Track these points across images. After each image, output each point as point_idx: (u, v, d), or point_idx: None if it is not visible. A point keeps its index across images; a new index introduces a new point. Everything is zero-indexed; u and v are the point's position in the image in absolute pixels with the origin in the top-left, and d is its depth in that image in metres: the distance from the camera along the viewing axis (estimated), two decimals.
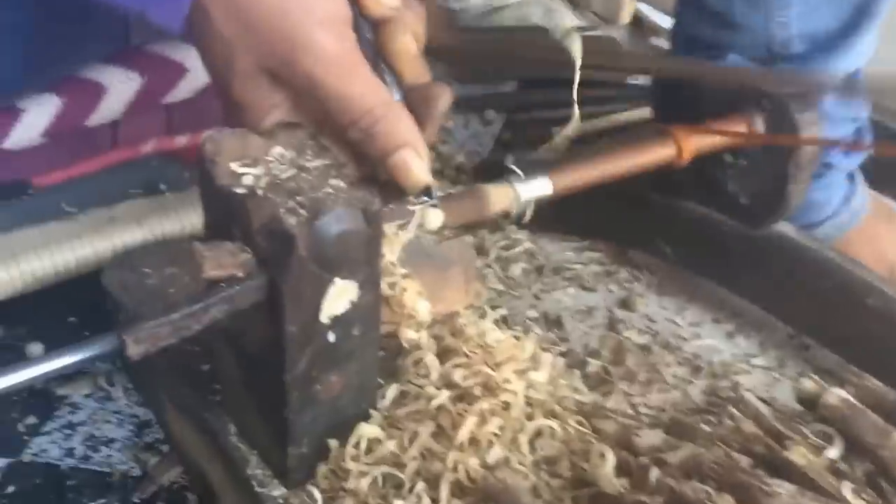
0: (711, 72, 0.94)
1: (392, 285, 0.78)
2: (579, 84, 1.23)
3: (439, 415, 0.80)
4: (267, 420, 0.79)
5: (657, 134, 0.94)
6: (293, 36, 0.72)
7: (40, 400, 1.05)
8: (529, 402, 0.83)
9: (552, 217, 0.95)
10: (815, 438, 0.80)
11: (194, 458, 0.92)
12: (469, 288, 0.83)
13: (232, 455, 0.83)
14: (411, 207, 0.79)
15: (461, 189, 0.93)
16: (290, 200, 0.70)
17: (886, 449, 0.78)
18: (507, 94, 1.51)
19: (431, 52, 0.80)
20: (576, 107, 1.21)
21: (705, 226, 1.06)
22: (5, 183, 1.04)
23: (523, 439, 0.80)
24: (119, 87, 1.01)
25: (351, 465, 0.77)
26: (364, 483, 0.76)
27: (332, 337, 0.74)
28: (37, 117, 0.98)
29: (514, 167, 0.86)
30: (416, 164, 0.75)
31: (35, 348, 1.09)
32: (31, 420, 1.02)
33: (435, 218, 0.80)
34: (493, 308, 1.05)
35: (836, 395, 0.83)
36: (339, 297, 0.73)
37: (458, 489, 0.77)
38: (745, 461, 0.77)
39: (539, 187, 0.87)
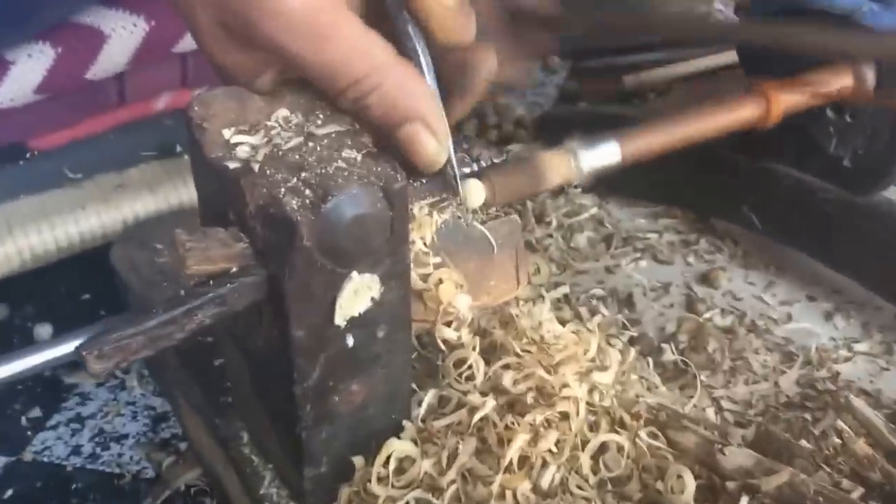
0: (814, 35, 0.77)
1: (424, 277, 0.65)
2: None
3: (484, 428, 0.67)
4: (280, 434, 0.67)
5: (743, 90, 0.79)
6: None
7: (47, 389, 0.93)
8: (593, 410, 0.70)
9: (622, 179, 0.81)
10: None
11: (210, 462, 0.81)
12: (520, 276, 0.69)
13: (243, 469, 0.71)
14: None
15: (514, 151, 0.79)
16: (293, 177, 0.58)
17: None
18: (573, 37, 1.35)
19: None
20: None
21: (800, 192, 0.94)
22: None
23: (584, 458, 0.67)
24: (122, 34, 0.89)
25: (378, 489, 0.65)
26: None
27: (350, 341, 0.62)
28: (28, 70, 0.87)
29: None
30: (426, 142, 0.62)
31: (43, 330, 0.98)
32: (36, 413, 0.91)
33: (476, 193, 0.66)
34: (555, 286, 0.93)
35: None
36: (358, 294, 0.60)
37: None
38: (856, 492, 0.63)
39: (606, 155, 0.72)
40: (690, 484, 0.65)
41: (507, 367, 0.70)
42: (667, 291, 0.97)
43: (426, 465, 0.66)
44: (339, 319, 0.60)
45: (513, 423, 0.66)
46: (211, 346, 0.76)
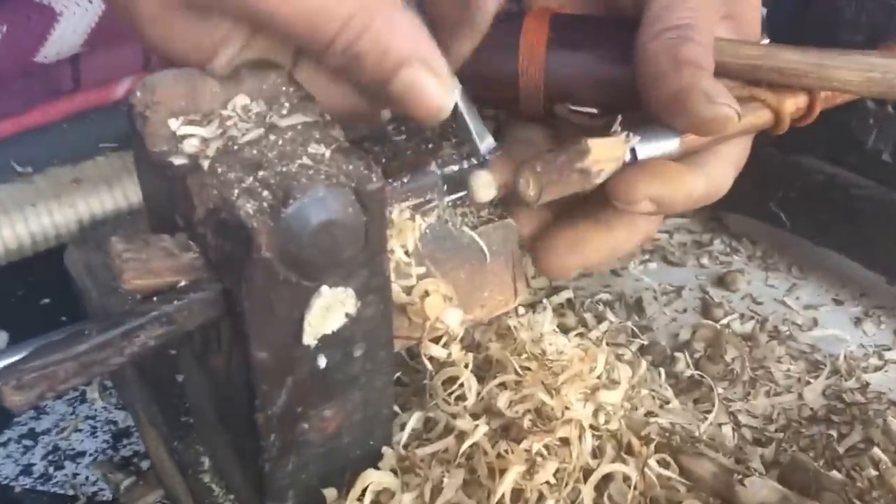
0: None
1: (408, 290, 0.57)
2: None
3: (474, 455, 0.59)
4: (243, 463, 0.59)
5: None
6: None
7: None
8: (597, 434, 0.62)
9: None
10: None
11: (171, 485, 0.73)
12: (517, 287, 0.61)
13: (202, 501, 0.63)
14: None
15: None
16: (249, 176, 0.50)
17: None
18: None
19: None
20: None
21: (834, 187, 0.87)
22: None
23: (587, 491, 0.59)
24: (75, 11, 0.80)
25: None
26: None
27: (322, 361, 0.54)
28: None
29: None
30: (427, 85, 0.54)
31: None
32: None
33: (484, 185, 0.58)
34: (557, 290, 0.84)
35: None
36: (330, 310, 0.52)
37: None
38: None
39: (665, 145, 0.61)
40: None
41: (502, 386, 0.62)
42: (679, 295, 0.88)
43: (407, 500, 0.58)
44: (309, 339, 0.52)
45: (506, 451, 0.59)
46: (172, 358, 0.68)
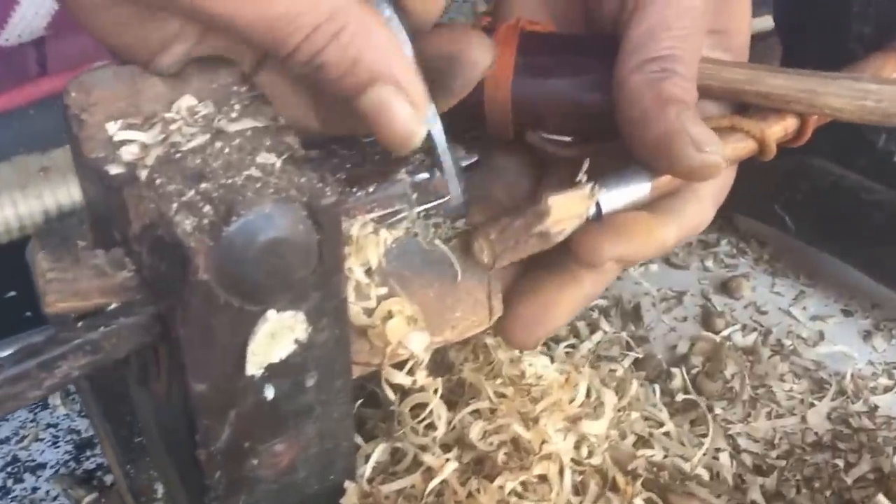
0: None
1: (370, 311, 0.52)
2: None
3: (444, 492, 0.54)
4: (190, 498, 0.54)
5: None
6: None
7: None
8: (580, 469, 0.57)
9: None
10: None
11: None
12: (493, 305, 0.56)
13: None
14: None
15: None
16: (190, 188, 0.44)
17: None
18: None
19: None
20: None
21: (842, 190, 0.82)
22: None
23: None
24: None
25: None
26: None
27: (270, 392, 0.49)
28: None
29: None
30: (398, 109, 0.48)
31: None
32: None
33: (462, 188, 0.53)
34: None
35: None
36: (277, 336, 0.47)
37: None
38: None
39: (636, 190, 0.57)
40: None
41: (476, 413, 0.57)
42: (680, 302, 0.84)
43: None
44: (253, 368, 0.47)
45: (478, 490, 0.53)
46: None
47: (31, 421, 0.79)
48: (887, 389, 0.76)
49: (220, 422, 0.48)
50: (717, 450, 0.69)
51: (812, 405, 0.74)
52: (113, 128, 0.47)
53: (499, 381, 0.59)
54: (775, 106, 0.59)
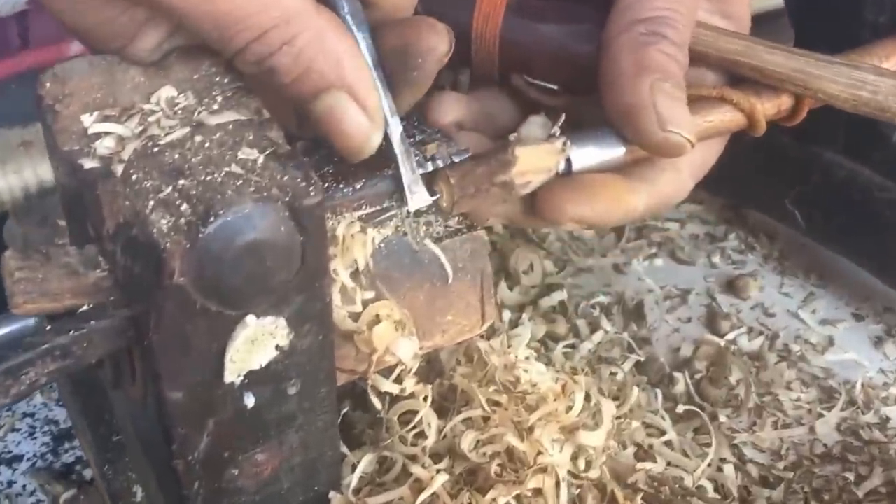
0: None
1: (356, 316, 0.49)
2: None
3: None
4: None
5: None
6: None
7: None
8: (577, 482, 0.54)
9: None
10: None
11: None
12: (485, 310, 0.53)
13: None
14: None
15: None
16: (167, 185, 0.42)
17: None
18: None
19: None
20: None
21: (854, 187, 0.79)
22: None
23: None
24: None
25: None
26: None
27: (250, 401, 0.47)
28: None
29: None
30: (351, 118, 0.47)
31: None
32: None
33: (418, 195, 0.51)
34: (549, 289, 0.77)
35: None
36: (257, 343, 0.45)
37: None
38: None
39: (610, 152, 0.55)
40: None
41: (468, 422, 0.55)
42: (685, 301, 0.81)
43: None
44: (232, 376, 0.45)
45: None
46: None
47: (7, 410, 0.77)
48: None
49: (198, 431, 0.46)
50: (722, 460, 0.67)
51: (821, 415, 0.72)
52: (88, 119, 0.45)
53: (492, 387, 0.56)
54: (769, 82, 0.58)
